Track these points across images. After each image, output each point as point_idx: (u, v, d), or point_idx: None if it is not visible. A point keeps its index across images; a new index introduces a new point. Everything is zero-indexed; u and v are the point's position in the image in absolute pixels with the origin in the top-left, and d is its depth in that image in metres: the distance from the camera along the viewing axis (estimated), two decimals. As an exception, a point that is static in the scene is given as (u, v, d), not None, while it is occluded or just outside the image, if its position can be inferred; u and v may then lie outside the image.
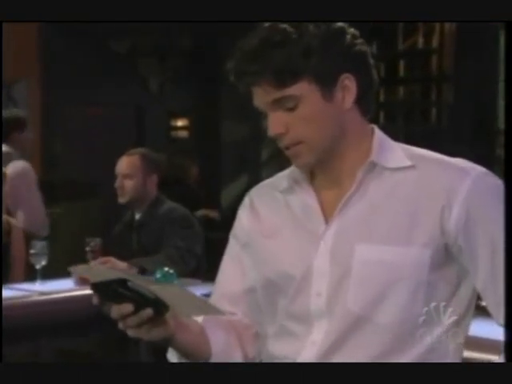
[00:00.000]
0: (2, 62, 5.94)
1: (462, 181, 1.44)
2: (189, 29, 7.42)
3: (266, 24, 1.47)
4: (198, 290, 3.19)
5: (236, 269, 1.63)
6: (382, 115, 7.20)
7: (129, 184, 3.95)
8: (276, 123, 1.46)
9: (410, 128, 7.32)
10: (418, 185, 1.46)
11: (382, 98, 7.15)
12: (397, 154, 1.50)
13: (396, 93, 7.52)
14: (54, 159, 7.39)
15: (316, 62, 1.43)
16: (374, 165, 1.49)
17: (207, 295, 3.00)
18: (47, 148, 7.32)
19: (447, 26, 6.92)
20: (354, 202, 1.49)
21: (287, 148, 1.48)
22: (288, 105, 1.45)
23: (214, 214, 6.43)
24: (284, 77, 1.42)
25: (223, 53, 7.01)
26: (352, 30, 1.49)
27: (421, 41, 7.42)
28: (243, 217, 1.63)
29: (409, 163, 1.48)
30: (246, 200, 1.65)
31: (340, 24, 1.48)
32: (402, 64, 7.48)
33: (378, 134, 1.54)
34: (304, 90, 1.44)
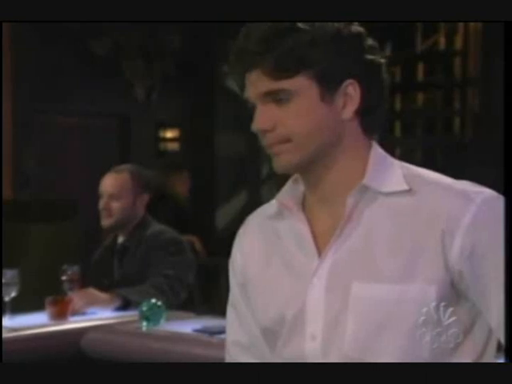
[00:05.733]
0: (1, 62, 5.99)
1: (465, 207, 1.43)
2: (180, 27, 7.44)
3: None
4: (191, 324, 3.19)
5: (234, 316, 1.68)
6: (398, 126, 7.17)
7: (116, 205, 3.89)
8: (264, 117, 1.49)
9: (430, 140, 7.34)
10: (416, 212, 1.46)
11: (398, 105, 7.13)
12: (394, 175, 1.50)
13: (414, 100, 7.52)
14: (25, 175, 7.39)
15: (321, 57, 1.46)
16: (365, 188, 1.49)
17: (201, 331, 3.03)
18: (18, 163, 7.33)
19: (472, 24, 6.95)
20: (348, 233, 1.49)
21: (271, 146, 1.50)
22: (281, 97, 1.47)
23: (199, 245, 6.40)
24: (286, 64, 1.46)
25: (218, 55, 7.05)
26: (371, 39, 1.52)
27: (442, 41, 7.46)
28: (237, 251, 1.67)
29: (405, 187, 1.48)
30: (241, 230, 1.68)
31: (359, 28, 1.51)
32: (420, 67, 7.51)
33: (376, 151, 1.54)
34: (302, 85, 1.47)
